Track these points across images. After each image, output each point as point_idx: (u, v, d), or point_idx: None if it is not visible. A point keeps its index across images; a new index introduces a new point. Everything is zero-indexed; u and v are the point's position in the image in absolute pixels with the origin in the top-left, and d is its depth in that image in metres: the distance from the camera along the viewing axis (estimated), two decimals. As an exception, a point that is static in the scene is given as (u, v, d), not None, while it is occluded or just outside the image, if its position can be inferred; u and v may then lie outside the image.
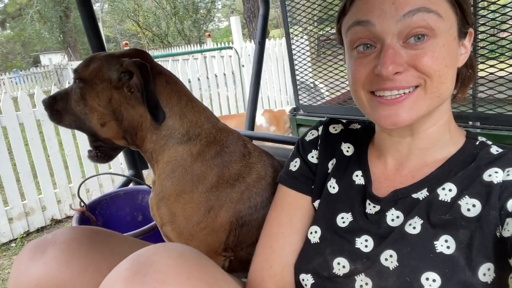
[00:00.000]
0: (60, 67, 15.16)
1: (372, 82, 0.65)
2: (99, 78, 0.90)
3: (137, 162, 1.53)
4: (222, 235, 0.89)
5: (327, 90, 2.04)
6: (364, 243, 0.70)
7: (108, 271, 0.62)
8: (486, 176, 0.64)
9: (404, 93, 0.63)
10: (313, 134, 0.88)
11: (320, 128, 0.88)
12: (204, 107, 0.97)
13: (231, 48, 5.72)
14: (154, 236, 1.12)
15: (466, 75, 0.73)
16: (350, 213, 0.74)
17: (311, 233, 0.77)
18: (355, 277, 0.67)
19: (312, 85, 2.42)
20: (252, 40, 7.12)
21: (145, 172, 1.68)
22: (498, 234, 0.59)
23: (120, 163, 4.08)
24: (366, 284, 0.66)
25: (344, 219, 0.75)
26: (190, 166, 0.89)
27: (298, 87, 2.06)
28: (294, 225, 0.80)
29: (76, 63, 15.17)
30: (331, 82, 1.96)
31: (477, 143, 0.70)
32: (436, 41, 0.61)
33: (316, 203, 0.81)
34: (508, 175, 0.62)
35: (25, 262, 0.79)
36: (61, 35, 19.97)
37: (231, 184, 0.89)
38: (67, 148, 3.68)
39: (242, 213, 0.90)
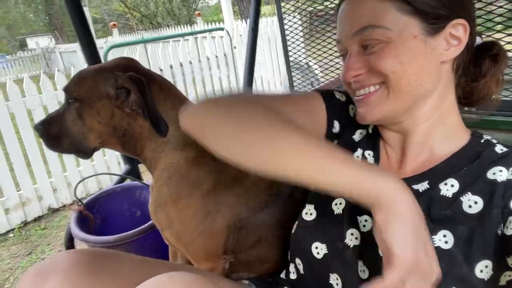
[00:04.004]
0: (47, 51, 14.82)
1: (349, 84, 0.75)
2: (97, 95, 0.87)
3: (133, 158, 1.51)
4: (221, 239, 0.89)
5: (321, 72, 2.00)
6: (363, 222, 0.73)
7: None
8: (490, 174, 0.64)
9: (369, 92, 0.71)
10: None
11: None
12: None
13: (222, 29, 5.61)
14: (153, 234, 1.12)
15: (488, 64, 0.72)
16: None
17: (335, 205, 0.78)
18: (359, 260, 0.69)
19: (306, 66, 2.38)
20: (244, 20, 6.97)
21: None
22: (499, 232, 0.60)
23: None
24: (363, 271, 0.69)
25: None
26: (186, 172, 0.88)
27: (292, 69, 2.02)
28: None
29: (64, 46, 14.90)
30: (325, 63, 1.90)
31: (482, 141, 0.71)
32: (385, 44, 0.68)
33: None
34: None
35: None
36: (47, 17, 19.45)
37: (228, 188, 0.89)
38: (60, 136, 3.64)
39: (239, 216, 0.89)
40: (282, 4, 2.00)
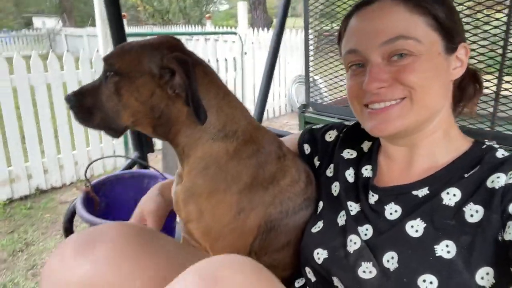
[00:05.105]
0: (53, 32, 14.73)
1: (363, 96, 0.74)
2: (139, 70, 0.82)
3: (143, 145, 1.47)
4: (250, 238, 0.86)
5: (334, 88, 2.01)
6: (365, 231, 0.74)
7: (156, 276, 0.62)
8: (489, 183, 0.66)
9: (390, 104, 0.71)
10: (331, 137, 0.97)
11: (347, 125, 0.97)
12: (240, 102, 0.92)
13: (235, 33, 5.62)
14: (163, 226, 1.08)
15: (471, 90, 0.79)
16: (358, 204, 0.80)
17: (339, 217, 0.80)
18: (362, 262, 0.70)
19: (320, 81, 2.38)
20: (255, 28, 7.02)
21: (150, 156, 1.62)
22: (500, 237, 0.61)
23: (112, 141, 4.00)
24: (370, 272, 0.68)
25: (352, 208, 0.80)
26: (225, 165, 0.84)
27: (311, 84, 2.01)
28: None
29: (71, 30, 14.83)
30: (337, 82, 1.92)
31: (484, 146, 0.73)
32: (416, 57, 0.69)
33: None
34: (510, 178, 0.64)
35: (69, 259, 0.72)
36: (57, -1, 19.39)
37: (265, 187, 0.85)
38: (59, 118, 3.58)
39: (272, 217, 0.86)
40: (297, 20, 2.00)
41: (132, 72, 0.82)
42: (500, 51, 1.36)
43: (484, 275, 0.60)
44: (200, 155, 0.85)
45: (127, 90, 0.82)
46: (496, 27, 1.35)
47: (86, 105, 0.86)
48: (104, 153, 3.97)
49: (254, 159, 0.85)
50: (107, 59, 0.85)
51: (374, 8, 0.73)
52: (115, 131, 0.87)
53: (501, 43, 1.35)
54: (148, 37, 0.89)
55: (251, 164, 0.85)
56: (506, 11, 1.33)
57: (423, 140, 0.75)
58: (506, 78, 1.37)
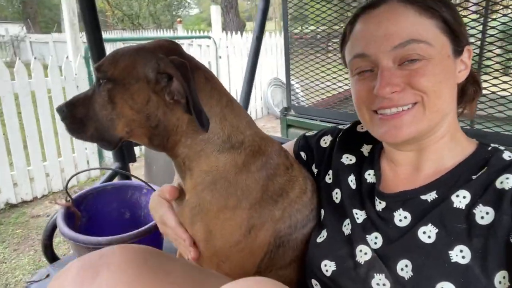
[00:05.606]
0: (17, 39, 14.14)
1: (372, 102, 0.72)
2: (134, 76, 0.76)
3: (124, 155, 1.41)
4: (259, 258, 0.81)
5: (316, 91, 2.01)
6: (374, 240, 0.72)
7: None
8: (498, 184, 0.65)
9: (403, 109, 0.69)
10: (326, 142, 0.94)
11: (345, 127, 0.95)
12: (243, 110, 0.87)
13: (209, 37, 5.57)
14: (148, 239, 1.03)
15: (471, 91, 0.78)
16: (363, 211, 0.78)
17: (344, 226, 0.78)
18: (374, 273, 0.68)
19: (297, 85, 2.38)
20: (228, 32, 6.99)
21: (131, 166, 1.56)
22: (511, 239, 0.60)
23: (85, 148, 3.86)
24: (384, 285, 0.67)
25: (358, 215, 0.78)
26: (234, 179, 0.78)
27: (292, 86, 2.01)
28: None
29: (36, 36, 14.31)
30: (320, 84, 1.93)
31: (489, 148, 0.72)
32: (428, 61, 0.67)
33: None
34: None
35: None
36: (20, 5, 18.67)
37: (275, 200, 0.80)
38: (28, 128, 3.42)
39: (281, 233, 0.81)
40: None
41: (126, 78, 0.76)
42: (477, 51, 1.40)
43: (501, 279, 0.59)
44: (205, 169, 0.80)
45: (121, 98, 0.77)
46: (473, 27, 1.39)
47: (78, 116, 0.80)
48: (77, 164, 3.83)
49: (263, 171, 0.81)
50: (99, 67, 0.79)
51: (382, 10, 0.71)
52: (109, 143, 0.81)
53: (478, 43, 1.39)
54: (130, 43, 0.83)
55: (261, 177, 0.80)
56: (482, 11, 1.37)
57: (432, 144, 0.74)
58: (484, 77, 1.41)
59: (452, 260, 0.62)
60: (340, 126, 0.97)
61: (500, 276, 0.59)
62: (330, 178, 0.88)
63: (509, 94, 1.39)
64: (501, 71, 1.41)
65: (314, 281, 0.79)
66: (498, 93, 1.41)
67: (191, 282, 0.71)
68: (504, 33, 1.43)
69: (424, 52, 0.67)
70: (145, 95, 0.77)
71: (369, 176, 0.82)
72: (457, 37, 0.71)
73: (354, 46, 0.75)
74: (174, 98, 0.76)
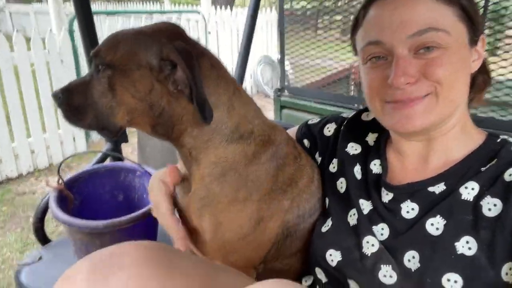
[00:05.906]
0: (-5, 9, 13.54)
1: (385, 92, 0.70)
2: (135, 63, 0.72)
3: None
4: (266, 249, 0.80)
5: (312, 72, 1.99)
6: (380, 231, 0.72)
7: None
8: (507, 176, 0.65)
9: (416, 97, 0.67)
10: (330, 130, 0.93)
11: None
12: (250, 98, 0.84)
13: (198, 12, 5.42)
14: (145, 223, 1.02)
15: (481, 81, 0.77)
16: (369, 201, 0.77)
17: (350, 216, 0.78)
18: (381, 265, 0.68)
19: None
20: (218, 7, 6.80)
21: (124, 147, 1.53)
22: None
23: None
24: (390, 276, 0.67)
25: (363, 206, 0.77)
26: (244, 170, 0.76)
27: (286, 67, 1.97)
28: None
29: (16, 7, 13.71)
30: (315, 65, 1.90)
31: (499, 140, 0.72)
32: (445, 50, 0.66)
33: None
34: None
35: None
36: (-3, -29, 17.74)
37: (284, 191, 0.79)
38: (11, 103, 3.31)
39: (289, 223, 0.81)
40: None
41: (127, 65, 0.72)
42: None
43: (508, 270, 0.60)
44: (213, 160, 0.77)
45: (121, 85, 0.73)
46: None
47: (76, 103, 0.76)
48: (63, 140, 3.75)
49: (273, 161, 0.79)
50: (97, 53, 0.74)
51: None
52: (109, 132, 0.77)
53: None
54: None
55: (271, 168, 0.78)
56: None
57: (442, 135, 0.73)
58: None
59: (458, 252, 0.63)
60: (344, 115, 0.95)
61: (507, 268, 0.60)
62: (334, 167, 0.87)
63: (497, 75, 1.39)
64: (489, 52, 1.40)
65: (318, 270, 0.80)
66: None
67: (203, 277, 0.69)
68: (492, 13, 1.42)
69: (442, 41, 0.65)
70: (148, 84, 0.73)
71: (375, 166, 0.81)
72: (474, 25, 0.69)
73: (367, 32, 0.72)
74: (178, 88, 0.73)
